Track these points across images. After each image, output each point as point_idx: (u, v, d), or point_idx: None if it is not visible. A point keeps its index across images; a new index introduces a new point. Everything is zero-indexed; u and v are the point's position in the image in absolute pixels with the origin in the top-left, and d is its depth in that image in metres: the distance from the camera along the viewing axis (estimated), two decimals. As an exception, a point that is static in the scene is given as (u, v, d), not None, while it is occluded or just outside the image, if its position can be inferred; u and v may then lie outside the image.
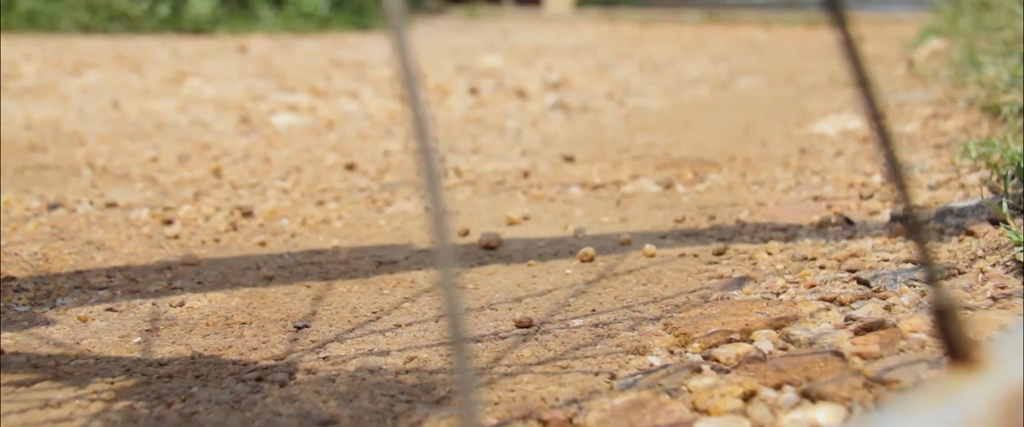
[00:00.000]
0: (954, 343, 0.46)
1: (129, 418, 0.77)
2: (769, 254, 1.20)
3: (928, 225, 1.20)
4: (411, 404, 0.78)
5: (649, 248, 1.24)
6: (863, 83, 0.49)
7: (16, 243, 1.34)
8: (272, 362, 0.90)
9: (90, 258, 1.29)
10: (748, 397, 0.74)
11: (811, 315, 0.92)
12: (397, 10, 0.43)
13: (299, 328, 1.00)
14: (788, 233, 1.30)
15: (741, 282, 1.08)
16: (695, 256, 1.22)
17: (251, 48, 4.73)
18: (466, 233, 1.39)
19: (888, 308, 0.92)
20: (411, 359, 0.89)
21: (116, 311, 1.07)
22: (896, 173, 0.49)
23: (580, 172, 1.81)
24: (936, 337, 0.46)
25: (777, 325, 0.89)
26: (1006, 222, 1.09)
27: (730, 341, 0.87)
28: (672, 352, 0.87)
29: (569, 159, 1.93)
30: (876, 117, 0.49)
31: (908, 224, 0.51)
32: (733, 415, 0.71)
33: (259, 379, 0.85)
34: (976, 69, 2.22)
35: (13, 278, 1.18)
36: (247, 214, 1.52)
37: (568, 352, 0.89)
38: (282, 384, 0.83)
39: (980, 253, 1.06)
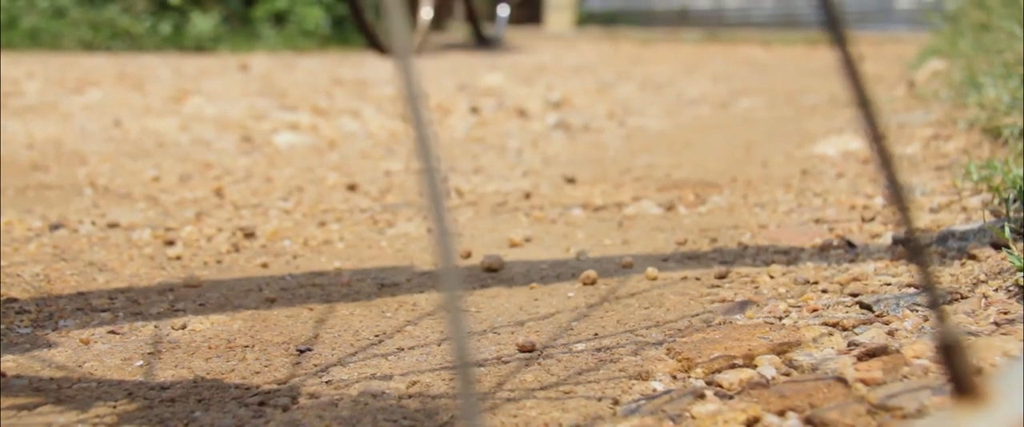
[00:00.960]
0: (959, 377, 0.46)
1: (131, 443, 0.77)
2: (771, 277, 1.20)
3: (930, 248, 1.20)
4: (414, 430, 0.78)
5: (651, 271, 1.24)
6: (864, 104, 0.49)
7: (18, 264, 1.34)
8: (275, 386, 0.90)
9: (92, 279, 1.29)
10: (751, 423, 0.74)
11: (814, 340, 0.92)
12: (403, 33, 0.44)
13: (302, 351, 1.00)
14: (790, 256, 1.30)
15: (743, 306, 1.08)
16: (697, 279, 1.22)
17: (253, 66, 4.74)
18: (468, 255, 1.39)
19: (891, 333, 0.92)
20: (414, 383, 0.88)
21: (118, 333, 1.07)
22: (897, 196, 0.49)
23: (581, 193, 1.81)
24: (942, 371, 0.47)
25: (780, 350, 0.89)
26: (1008, 246, 1.09)
27: (733, 366, 0.87)
28: (675, 377, 0.87)
29: (570, 180, 1.93)
30: (877, 138, 0.49)
31: (910, 248, 0.51)
32: (737, 442, 0.71)
33: (262, 403, 0.85)
34: (977, 91, 2.23)
35: (15, 299, 1.18)
36: (249, 235, 1.52)
37: (571, 377, 0.89)
38: (285, 408, 0.83)
39: (982, 277, 1.06)
